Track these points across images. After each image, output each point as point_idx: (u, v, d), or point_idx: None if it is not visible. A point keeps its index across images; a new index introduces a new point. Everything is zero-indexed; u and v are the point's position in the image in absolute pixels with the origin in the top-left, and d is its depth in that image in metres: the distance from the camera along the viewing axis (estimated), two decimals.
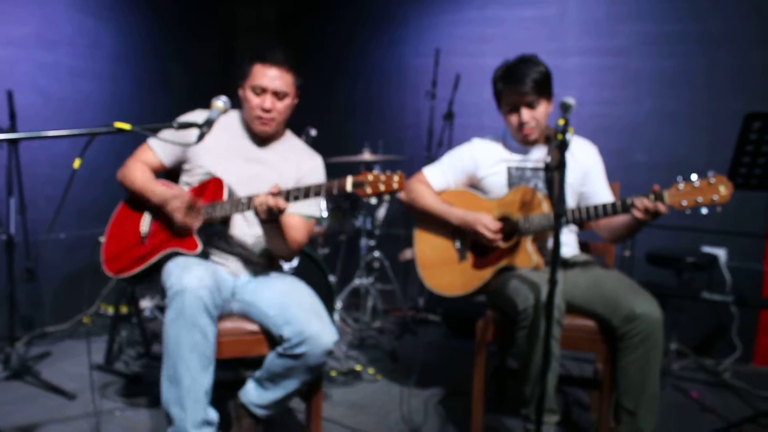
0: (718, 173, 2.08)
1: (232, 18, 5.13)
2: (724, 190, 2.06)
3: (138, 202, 2.41)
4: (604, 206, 2.25)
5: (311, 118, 3.91)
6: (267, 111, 2.31)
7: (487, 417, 2.57)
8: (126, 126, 1.91)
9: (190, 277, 2.00)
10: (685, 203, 2.10)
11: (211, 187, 2.28)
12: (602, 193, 2.57)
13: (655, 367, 2.21)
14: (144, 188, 2.35)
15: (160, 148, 2.42)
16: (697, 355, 3.70)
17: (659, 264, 3.44)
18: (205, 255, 2.27)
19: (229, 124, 2.43)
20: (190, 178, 2.38)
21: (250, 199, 2.13)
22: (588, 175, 2.58)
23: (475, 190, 2.65)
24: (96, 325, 3.85)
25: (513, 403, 2.63)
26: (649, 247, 3.54)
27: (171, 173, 2.51)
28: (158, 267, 2.27)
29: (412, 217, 2.75)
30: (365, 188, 1.95)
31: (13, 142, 3.19)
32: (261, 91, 2.30)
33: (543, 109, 2.49)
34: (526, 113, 2.47)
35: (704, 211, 2.09)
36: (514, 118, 2.51)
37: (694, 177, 2.09)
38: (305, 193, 2.04)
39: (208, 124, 2.04)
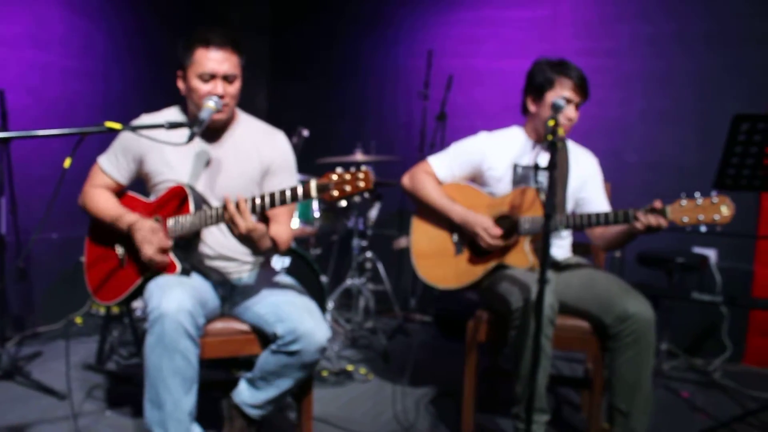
0: (722, 193, 2.09)
1: (224, 18, 5.12)
2: (726, 210, 2.08)
3: (104, 226, 2.27)
4: (606, 215, 2.26)
5: (303, 118, 3.92)
6: (220, 97, 2.13)
7: (478, 416, 2.58)
8: (117, 125, 1.91)
9: (169, 301, 1.93)
10: (686, 219, 2.12)
11: (175, 197, 2.16)
12: (599, 201, 2.59)
13: (647, 368, 2.23)
14: (106, 216, 2.23)
15: (113, 168, 2.30)
16: (688, 355, 3.72)
17: (650, 265, 3.46)
18: (187, 272, 2.14)
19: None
20: (158, 194, 2.25)
21: (218, 210, 2.02)
22: (587, 183, 2.60)
23: (476, 185, 2.63)
24: (87, 325, 3.84)
25: (504, 403, 2.63)
26: (639, 248, 3.55)
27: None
28: (142, 288, 2.18)
29: (404, 217, 2.75)
30: (331, 192, 1.85)
31: (4, 142, 3.18)
32: (210, 77, 2.13)
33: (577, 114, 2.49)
34: (572, 111, 2.46)
35: (703, 229, 2.11)
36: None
37: (697, 195, 2.11)
38: (271, 201, 1.95)
39: (200, 124, 2.01)
